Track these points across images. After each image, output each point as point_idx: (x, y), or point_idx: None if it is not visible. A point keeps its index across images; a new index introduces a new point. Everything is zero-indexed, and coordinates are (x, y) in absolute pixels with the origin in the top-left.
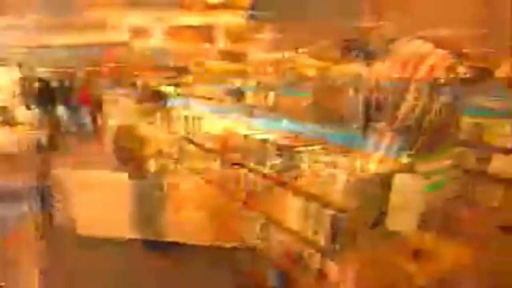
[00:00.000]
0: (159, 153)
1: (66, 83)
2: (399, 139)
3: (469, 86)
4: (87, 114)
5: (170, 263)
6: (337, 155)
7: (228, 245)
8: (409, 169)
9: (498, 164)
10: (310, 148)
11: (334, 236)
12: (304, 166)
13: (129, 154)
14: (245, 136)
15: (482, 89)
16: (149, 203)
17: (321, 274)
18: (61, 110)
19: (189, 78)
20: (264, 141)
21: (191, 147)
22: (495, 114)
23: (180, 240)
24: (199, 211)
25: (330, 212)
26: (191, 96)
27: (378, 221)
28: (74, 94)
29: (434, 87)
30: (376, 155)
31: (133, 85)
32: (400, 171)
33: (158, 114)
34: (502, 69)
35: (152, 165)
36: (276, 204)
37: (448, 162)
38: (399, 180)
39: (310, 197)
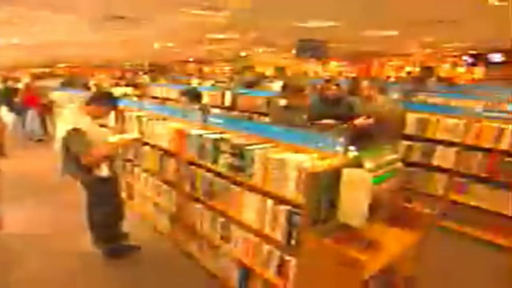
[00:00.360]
0: (112, 156)
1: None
2: (349, 134)
3: (416, 84)
4: (35, 117)
5: (129, 270)
6: (289, 152)
7: (190, 247)
8: (357, 163)
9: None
10: (263, 146)
11: (289, 232)
12: (257, 164)
13: (80, 159)
14: (200, 135)
15: (427, 87)
16: (104, 206)
17: (281, 270)
18: (4, 113)
19: (146, 79)
20: (219, 140)
21: (146, 149)
22: (437, 110)
23: (139, 244)
24: (158, 213)
25: (284, 208)
26: (146, 96)
27: (330, 214)
28: (20, 96)
29: (385, 84)
30: (327, 151)
31: (85, 86)
32: (348, 165)
33: (111, 116)
34: (443, 68)
35: (104, 170)
36: (234, 202)
37: (393, 155)
38: (347, 174)
39: (265, 194)
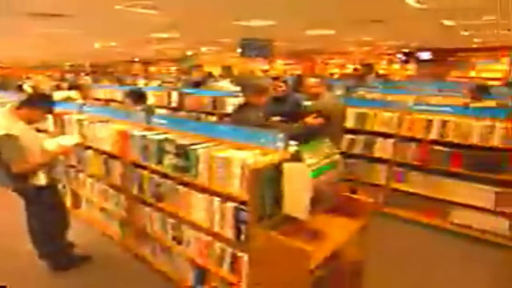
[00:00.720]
0: (50, 163)
1: None
2: (292, 130)
3: (357, 81)
4: None
5: (80, 278)
6: (233, 150)
7: (143, 251)
8: (297, 157)
9: (380, 148)
10: (207, 145)
11: (238, 228)
12: (202, 163)
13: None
14: (143, 136)
15: (366, 83)
16: (45, 217)
17: (234, 266)
18: None
19: (88, 80)
20: (163, 141)
21: (90, 153)
22: (375, 104)
23: (89, 252)
24: (107, 218)
25: (231, 205)
26: (89, 98)
27: (275, 208)
28: None
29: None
30: (269, 147)
31: (19, 88)
32: (289, 160)
33: (49, 120)
34: (382, 65)
35: (41, 178)
36: (183, 203)
37: (331, 148)
38: (287, 168)
39: (212, 193)
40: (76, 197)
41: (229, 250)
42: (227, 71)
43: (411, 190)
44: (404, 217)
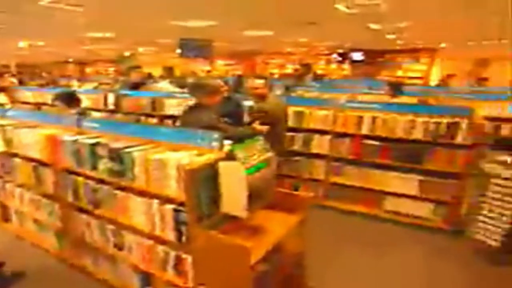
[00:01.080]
0: None
1: None
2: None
3: (296, 80)
4: None
5: None
6: (169, 151)
7: (84, 261)
8: (231, 156)
9: (318, 144)
10: (142, 147)
11: (179, 230)
12: (138, 166)
13: None
14: (75, 141)
15: (304, 82)
16: None
17: (179, 268)
18: None
19: (14, 82)
20: (95, 145)
21: (17, 161)
22: (311, 103)
23: (23, 269)
24: (41, 230)
25: (170, 207)
26: (15, 102)
27: (214, 208)
28: None
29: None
30: (205, 147)
31: None
32: (223, 159)
33: None
34: (320, 65)
35: None
36: (121, 208)
37: (263, 145)
38: (222, 167)
39: (150, 196)
40: (5, 210)
41: (172, 252)
42: (168, 72)
43: (347, 183)
44: (343, 208)
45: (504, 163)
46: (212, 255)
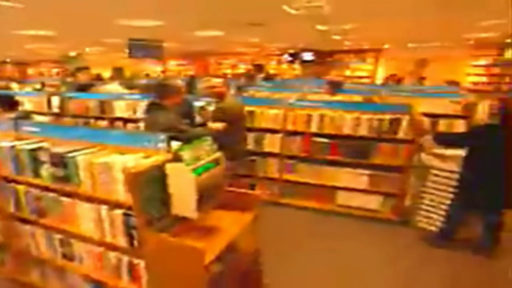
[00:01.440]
0: None
1: None
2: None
3: (248, 80)
4: None
5: None
6: (115, 154)
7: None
8: (178, 157)
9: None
10: (87, 151)
11: (130, 234)
12: (83, 171)
13: None
14: (12, 147)
15: (256, 82)
16: None
17: (133, 274)
18: None
19: None
20: (36, 150)
21: None
22: (262, 103)
23: None
24: None
25: (119, 212)
26: None
27: (164, 210)
28: None
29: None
30: (152, 149)
31: None
32: (170, 160)
33: None
34: (272, 65)
35: None
36: (68, 215)
37: (211, 146)
38: (169, 169)
39: (98, 201)
40: None
41: (125, 258)
42: (118, 73)
43: (301, 180)
44: (298, 204)
45: (440, 156)
46: (164, 258)
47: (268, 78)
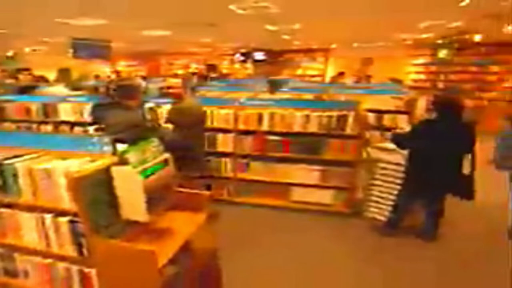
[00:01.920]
0: None
1: None
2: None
3: (200, 80)
4: None
5: None
6: (57, 159)
7: None
8: (124, 160)
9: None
10: (27, 157)
11: (79, 243)
12: (23, 178)
13: None
14: None
15: (207, 82)
16: None
17: (85, 284)
18: None
19: None
20: None
21: None
22: (214, 102)
23: None
24: None
25: (64, 219)
26: None
27: (114, 215)
28: None
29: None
30: (97, 153)
31: None
32: (116, 164)
33: None
34: (225, 65)
35: None
36: (9, 228)
37: (158, 147)
38: (115, 172)
39: (41, 210)
40: None
41: (74, 268)
42: (64, 75)
43: (255, 178)
44: (253, 202)
45: (385, 149)
46: (116, 265)
47: (221, 77)
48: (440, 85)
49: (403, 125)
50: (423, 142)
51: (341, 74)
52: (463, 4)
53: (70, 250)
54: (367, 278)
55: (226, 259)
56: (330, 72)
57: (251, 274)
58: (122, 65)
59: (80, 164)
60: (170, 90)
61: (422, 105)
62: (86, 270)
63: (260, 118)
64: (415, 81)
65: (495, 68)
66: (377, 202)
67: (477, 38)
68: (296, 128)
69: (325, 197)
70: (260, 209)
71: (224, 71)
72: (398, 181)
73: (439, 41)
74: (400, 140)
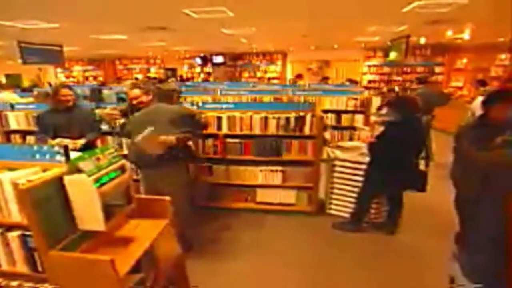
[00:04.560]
0: None
1: None
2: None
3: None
4: None
5: None
6: (5, 171)
7: None
8: (77, 169)
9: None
10: None
11: (32, 258)
12: None
13: None
14: None
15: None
16: None
17: None
18: None
19: None
20: None
21: None
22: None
23: None
24: None
25: (15, 234)
26: None
27: (69, 226)
28: None
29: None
30: (50, 162)
31: None
32: (68, 173)
33: None
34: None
35: None
36: None
37: (114, 154)
38: (68, 182)
39: None
40: None
41: (28, 285)
42: (14, 80)
43: (220, 181)
44: (219, 206)
45: (342, 148)
46: (74, 278)
47: (181, 81)
48: (394, 84)
49: (360, 124)
50: (391, 145)
51: (299, 76)
52: (405, 10)
53: (23, 267)
54: (331, 273)
55: (191, 264)
56: (289, 75)
57: (218, 276)
58: (77, 70)
59: (30, 175)
60: (134, 102)
61: (376, 104)
62: (42, 287)
63: (219, 121)
64: (370, 82)
65: (440, 69)
66: (338, 199)
67: (422, 41)
68: (256, 131)
69: (289, 197)
70: (225, 212)
71: (184, 75)
72: (358, 178)
73: (389, 43)
74: (375, 150)
